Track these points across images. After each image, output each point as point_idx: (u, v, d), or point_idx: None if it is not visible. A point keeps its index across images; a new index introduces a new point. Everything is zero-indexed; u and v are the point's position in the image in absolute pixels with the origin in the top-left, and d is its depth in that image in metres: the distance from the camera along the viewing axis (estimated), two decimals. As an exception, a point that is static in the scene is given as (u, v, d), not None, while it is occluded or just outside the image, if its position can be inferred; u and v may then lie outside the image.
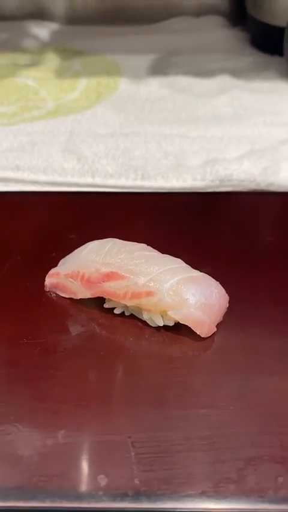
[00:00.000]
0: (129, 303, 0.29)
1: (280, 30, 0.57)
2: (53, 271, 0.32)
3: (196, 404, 0.26)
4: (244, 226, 0.38)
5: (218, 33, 0.68)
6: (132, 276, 0.28)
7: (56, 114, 0.51)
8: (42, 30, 0.68)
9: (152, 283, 0.28)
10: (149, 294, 0.28)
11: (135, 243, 0.30)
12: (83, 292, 0.30)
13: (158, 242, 0.32)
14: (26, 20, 0.70)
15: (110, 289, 0.29)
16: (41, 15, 0.72)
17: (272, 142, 0.47)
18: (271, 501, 0.22)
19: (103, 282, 0.29)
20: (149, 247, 0.31)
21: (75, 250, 0.32)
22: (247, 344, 0.29)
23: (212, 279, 0.30)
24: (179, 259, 0.30)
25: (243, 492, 0.23)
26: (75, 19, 0.73)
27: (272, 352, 0.29)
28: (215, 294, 0.29)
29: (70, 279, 0.30)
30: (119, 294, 0.29)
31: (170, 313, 0.28)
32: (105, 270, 0.29)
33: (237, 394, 0.26)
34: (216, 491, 0.23)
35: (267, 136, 0.47)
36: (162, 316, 0.29)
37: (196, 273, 0.29)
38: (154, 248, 0.31)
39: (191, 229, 0.37)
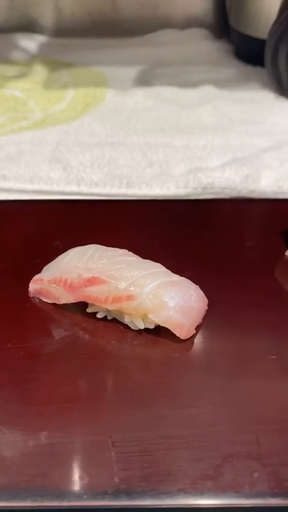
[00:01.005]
0: (110, 307, 0.30)
1: (262, 42, 0.59)
2: (36, 277, 0.32)
3: (176, 404, 0.27)
4: (225, 233, 0.39)
5: (202, 45, 0.70)
6: (113, 281, 0.29)
7: (43, 124, 0.52)
8: (30, 43, 0.69)
9: (133, 288, 0.29)
10: (129, 298, 0.29)
11: (117, 248, 0.31)
12: (66, 297, 0.31)
13: (140, 248, 0.33)
14: (14, 32, 0.72)
15: (92, 293, 0.30)
16: (29, 27, 0.74)
17: (254, 150, 0.48)
18: (247, 496, 0.23)
19: (85, 287, 0.30)
20: (130, 252, 0.31)
21: (58, 257, 0.32)
22: (226, 346, 0.30)
23: (192, 282, 0.30)
24: (159, 264, 0.31)
25: (220, 488, 0.23)
26: (63, 31, 0.74)
27: (250, 354, 0.29)
28: (194, 297, 0.30)
29: (53, 285, 0.31)
30: (101, 298, 0.29)
31: (150, 316, 0.29)
32: (87, 275, 0.30)
33: (216, 394, 0.27)
34: (193, 488, 0.23)
35: (249, 145, 0.49)
36: (143, 320, 0.30)
37: (176, 277, 0.30)
38: (136, 254, 0.32)
39: (173, 235, 0.38)
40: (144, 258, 0.32)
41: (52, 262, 0.33)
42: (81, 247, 0.32)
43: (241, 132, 0.51)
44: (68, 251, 0.32)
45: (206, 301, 0.30)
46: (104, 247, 0.31)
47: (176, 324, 0.29)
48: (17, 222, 0.39)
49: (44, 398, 0.27)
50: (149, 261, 0.31)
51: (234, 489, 0.23)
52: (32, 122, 0.52)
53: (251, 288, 0.33)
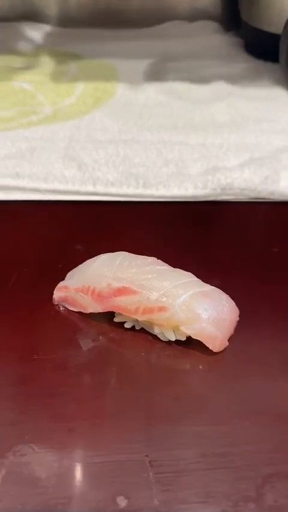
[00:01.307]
0: (140, 318, 0.29)
1: (275, 37, 0.57)
2: (61, 284, 0.31)
3: (211, 420, 0.26)
4: (249, 237, 0.38)
5: (211, 38, 0.68)
6: (144, 291, 0.28)
7: (53, 119, 0.50)
8: (36, 32, 0.67)
9: (165, 299, 0.28)
10: (161, 309, 0.28)
11: (146, 256, 0.30)
12: (93, 307, 0.30)
13: (163, 253, 0.32)
14: (18, 21, 0.69)
15: (121, 303, 0.29)
16: (33, 16, 0.72)
17: (271, 150, 0.47)
18: (291, 519, 0.22)
19: (114, 296, 0.29)
20: (159, 261, 0.30)
21: (84, 263, 0.31)
22: (259, 357, 0.29)
23: (223, 293, 0.30)
24: (190, 273, 0.30)
25: (262, 510, 0.23)
26: (68, 21, 0.72)
27: (285, 363, 0.29)
28: (226, 308, 0.29)
29: (80, 293, 0.30)
30: (131, 308, 0.28)
31: (182, 328, 0.28)
32: (116, 284, 0.29)
33: (252, 409, 0.26)
34: (236, 510, 0.23)
35: (266, 144, 0.48)
36: (173, 331, 0.29)
37: (207, 287, 0.29)
38: (160, 259, 0.31)
39: (196, 240, 0.37)
40: (168, 263, 0.31)
41: (77, 269, 0.31)
42: (109, 254, 0.31)
43: (256, 131, 0.50)
44: (94, 258, 0.31)
45: (237, 311, 0.30)
46: (133, 255, 0.30)
47: (209, 336, 0.28)
48: (34, 224, 0.38)
49: (75, 413, 0.26)
50: (179, 269, 0.30)
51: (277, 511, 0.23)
52: (42, 116, 0.51)
53: (280, 295, 0.33)
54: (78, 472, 0.24)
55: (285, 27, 0.56)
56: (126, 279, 0.29)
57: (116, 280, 0.29)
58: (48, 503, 0.23)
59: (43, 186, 0.42)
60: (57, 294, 0.31)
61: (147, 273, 0.29)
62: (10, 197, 0.41)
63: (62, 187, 0.42)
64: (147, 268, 0.29)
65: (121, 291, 0.28)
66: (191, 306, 0.28)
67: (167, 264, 0.30)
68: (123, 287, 0.28)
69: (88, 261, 0.31)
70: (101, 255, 0.31)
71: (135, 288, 0.28)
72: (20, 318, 0.31)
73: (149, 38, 0.68)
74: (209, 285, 0.30)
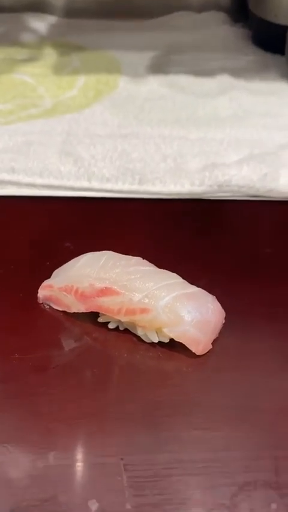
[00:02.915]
0: (123, 319, 0.28)
1: (283, 29, 0.56)
2: (46, 283, 0.31)
3: (190, 425, 0.26)
4: (242, 237, 0.37)
5: (219, 30, 0.67)
6: (127, 292, 0.28)
7: (53, 112, 0.50)
8: (40, 24, 0.67)
9: (147, 300, 0.27)
10: (143, 311, 0.27)
11: (131, 256, 0.30)
12: (76, 306, 0.29)
13: (153, 252, 0.31)
14: (24, 12, 0.69)
15: (104, 304, 0.28)
16: (39, 6, 0.71)
17: (272, 146, 0.46)
18: (264, 529, 0.22)
19: (97, 297, 0.28)
20: (144, 261, 0.30)
21: (69, 262, 0.31)
22: (244, 362, 0.29)
23: (209, 294, 0.29)
24: (175, 274, 0.29)
25: (236, 519, 0.22)
26: (74, 11, 0.71)
27: (268, 370, 0.28)
28: (211, 310, 0.28)
29: (64, 293, 0.30)
30: (113, 309, 0.28)
31: (165, 330, 0.28)
32: (99, 285, 0.28)
33: (232, 415, 0.26)
34: (208, 518, 0.22)
35: (267, 140, 0.47)
36: (157, 333, 0.28)
37: (192, 289, 0.29)
38: (149, 258, 0.31)
39: (188, 239, 0.37)
40: (156, 264, 0.30)
41: (62, 267, 0.31)
42: (94, 253, 0.30)
43: (259, 126, 0.49)
44: (79, 257, 0.31)
45: (223, 313, 0.29)
46: (118, 254, 0.30)
47: (192, 339, 0.27)
48: (25, 219, 0.38)
49: (53, 414, 0.26)
50: (164, 270, 0.29)
51: (251, 521, 0.22)
52: (41, 109, 0.50)
53: (271, 298, 0.32)
54: (52, 474, 0.24)
55: (292, 18, 0.54)
56: (109, 280, 0.28)
57: (99, 281, 0.28)
58: (19, 505, 0.23)
59: (38, 181, 0.42)
60: (42, 292, 0.31)
61: (130, 273, 0.28)
62: (5, 192, 0.41)
63: (57, 182, 0.42)
64: (131, 269, 0.29)
65: (104, 292, 0.28)
66: (174, 308, 0.27)
67: (152, 264, 0.30)
68: (105, 287, 0.28)
69: (73, 260, 0.31)
70: (86, 254, 0.30)
71: (117, 289, 0.28)
72: (3, 315, 0.31)
73: (155, 29, 0.66)
74: (194, 286, 0.29)
